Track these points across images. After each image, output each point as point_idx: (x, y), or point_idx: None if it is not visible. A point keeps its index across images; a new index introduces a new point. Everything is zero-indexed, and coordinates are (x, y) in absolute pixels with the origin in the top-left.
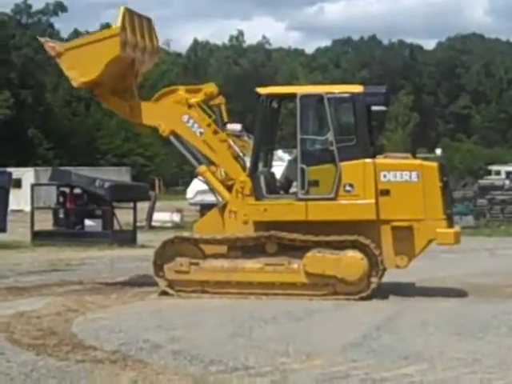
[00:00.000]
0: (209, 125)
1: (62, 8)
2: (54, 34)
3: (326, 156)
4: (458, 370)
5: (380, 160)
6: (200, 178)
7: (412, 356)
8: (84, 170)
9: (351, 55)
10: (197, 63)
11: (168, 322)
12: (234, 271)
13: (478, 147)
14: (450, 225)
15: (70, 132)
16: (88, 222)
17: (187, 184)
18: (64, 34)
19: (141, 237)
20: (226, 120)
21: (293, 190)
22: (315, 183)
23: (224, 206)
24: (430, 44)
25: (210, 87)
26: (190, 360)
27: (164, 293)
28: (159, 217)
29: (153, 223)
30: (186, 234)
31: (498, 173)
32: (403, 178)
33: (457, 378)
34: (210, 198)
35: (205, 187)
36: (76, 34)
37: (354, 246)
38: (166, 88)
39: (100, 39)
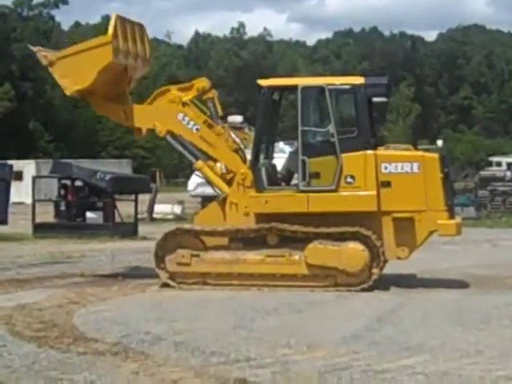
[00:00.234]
0: (204, 121)
1: (62, 0)
2: (55, 27)
3: (327, 148)
4: (460, 362)
5: (381, 151)
6: (198, 173)
7: (414, 347)
8: (85, 162)
9: (352, 47)
10: (198, 55)
11: (169, 314)
12: (235, 263)
13: (479, 138)
14: (452, 216)
15: (70, 124)
16: (89, 215)
17: (188, 176)
18: (65, 27)
19: (142, 229)
20: (220, 113)
21: (294, 181)
22: (316, 175)
23: (224, 199)
24: (431, 35)
25: (202, 82)
26: (191, 352)
27: (165, 285)
28: (160, 209)
29: (154, 215)
30: (187, 225)
31: (499, 164)
32: (404, 169)
33: (459, 369)
34: (211, 190)
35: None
36: (77, 26)
37: (355, 237)
38: (159, 89)
39: (92, 47)
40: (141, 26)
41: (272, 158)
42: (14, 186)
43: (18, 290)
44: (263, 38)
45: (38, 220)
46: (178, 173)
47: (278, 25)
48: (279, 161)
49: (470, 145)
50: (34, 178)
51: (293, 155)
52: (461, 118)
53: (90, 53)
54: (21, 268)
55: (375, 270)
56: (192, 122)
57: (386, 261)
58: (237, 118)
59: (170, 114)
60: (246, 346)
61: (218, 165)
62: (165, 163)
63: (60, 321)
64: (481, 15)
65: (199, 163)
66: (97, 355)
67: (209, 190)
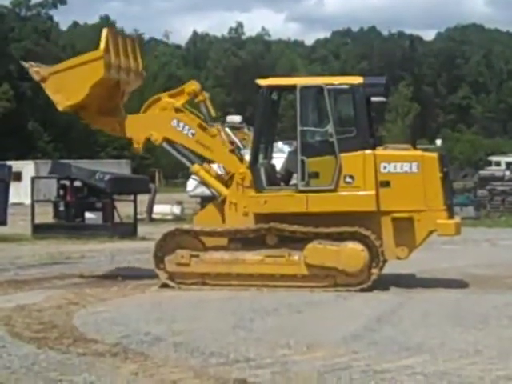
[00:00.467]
0: (199, 124)
1: (61, 0)
2: (53, 27)
3: (326, 148)
4: (460, 362)
5: (380, 151)
6: (194, 176)
7: (413, 347)
8: (84, 162)
9: (351, 47)
10: (196, 55)
11: (169, 315)
12: (234, 263)
13: (478, 138)
14: (451, 216)
15: (69, 125)
16: (88, 215)
17: (187, 176)
18: (63, 27)
19: (141, 229)
20: (213, 114)
21: (293, 181)
22: (315, 175)
23: (223, 200)
24: (429, 35)
25: (192, 85)
26: (190, 352)
27: (165, 285)
28: (159, 209)
29: (153, 216)
30: (186, 226)
31: (498, 163)
32: (403, 169)
33: (458, 369)
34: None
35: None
36: (75, 26)
37: (354, 237)
38: (151, 98)
39: (84, 62)
40: (133, 40)
41: (271, 158)
42: (13, 187)
43: (18, 291)
44: (261, 38)
45: (37, 221)
46: (177, 173)
47: (276, 24)
48: (278, 161)
49: (468, 144)
50: (33, 179)
51: (292, 155)
52: (459, 118)
53: (81, 68)
54: (20, 269)
55: (374, 270)
56: (187, 127)
57: (385, 261)
58: (235, 118)
59: (164, 122)
60: (246, 347)
61: (214, 166)
62: (164, 164)
63: (59, 322)
64: (479, 14)
65: (195, 167)
66: (96, 356)
67: (208, 191)
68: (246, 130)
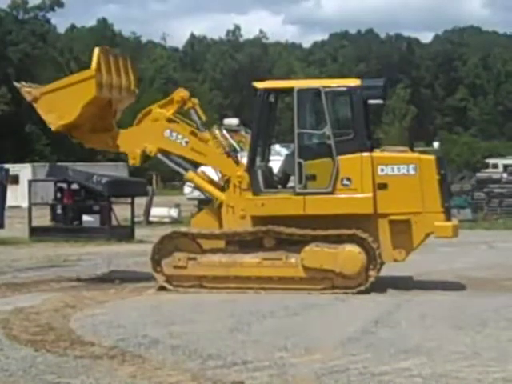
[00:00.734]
0: (191, 132)
1: (58, 3)
2: (51, 30)
3: (323, 150)
4: (457, 364)
5: (377, 154)
6: (189, 184)
7: (411, 350)
8: (81, 165)
9: (348, 49)
10: (194, 58)
11: (166, 317)
12: (231, 266)
13: (475, 140)
14: (448, 218)
15: None
16: (86, 218)
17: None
18: (61, 30)
19: (139, 232)
20: (204, 119)
21: (290, 184)
22: (313, 177)
23: (219, 205)
24: (427, 37)
25: (180, 93)
26: (188, 355)
27: (162, 288)
28: (157, 212)
29: (151, 218)
30: (183, 228)
31: (495, 166)
32: (401, 171)
33: (456, 371)
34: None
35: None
36: (72, 29)
37: (351, 239)
38: (142, 111)
39: (76, 82)
40: (124, 58)
41: (268, 160)
42: (11, 190)
43: (15, 294)
44: (259, 41)
45: (34, 223)
46: (174, 176)
47: (273, 27)
48: (275, 163)
49: (466, 147)
50: (31, 182)
51: (289, 158)
52: (457, 120)
53: (73, 88)
54: (17, 272)
55: (372, 273)
56: (180, 136)
57: (382, 263)
58: (233, 121)
59: (156, 133)
60: (243, 349)
61: (208, 170)
62: (161, 166)
63: (57, 324)
64: (477, 17)
65: (190, 174)
66: (94, 359)
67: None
68: (243, 132)
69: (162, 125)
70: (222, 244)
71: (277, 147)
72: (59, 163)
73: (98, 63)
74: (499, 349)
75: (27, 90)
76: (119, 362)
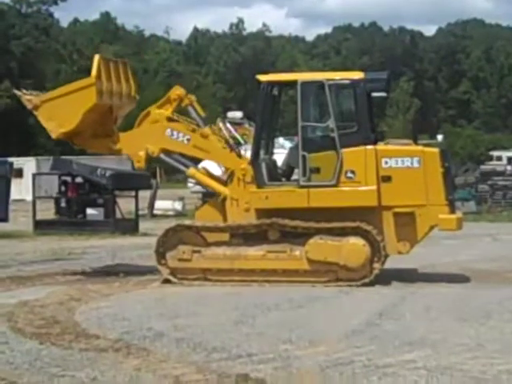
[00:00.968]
0: (192, 129)
1: None
2: (54, 24)
3: (327, 143)
4: (462, 356)
5: (381, 146)
6: (191, 180)
7: (415, 342)
8: (85, 158)
9: (352, 42)
10: (197, 51)
11: (171, 310)
12: (236, 259)
13: (479, 133)
14: (452, 210)
15: None
16: (90, 211)
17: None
18: (64, 23)
19: (143, 225)
20: (202, 114)
21: (294, 177)
22: (317, 170)
23: (223, 200)
24: (430, 30)
25: (176, 91)
26: (193, 348)
27: (166, 281)
28: (161, 205)
29: (155, 211)
30: (187, 221)
31: (499, 158)
32: (405, 164)
33: (460, 363)
34: None
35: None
36: (75, 23)
37: (355, 232)
38: (141, 113)
39: (76, 90)
40: (124, 64)
41: (272, 153)
42: (15, 184)
43: (20, 287)
44: (262, 34)
45: (38, 217)
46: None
47: (276, 20)
48: (279, 156)
49: (469, 139)
50: (35, 175)
51: (293, 150)
52: (460, 113)
53: (74, 95)
54: (22, 265)
55: (376, 265)
56: (181, 134)
57: (386, 255)
58: (236, 114)
59: (157, 133)
60: (248, 342)
61: (207, 166)
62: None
63: (62, 317)
64: (480, 9)
65: (191, 170)
66: (99, 352)
67: None
68: (247, 125)
69: (163, 125)
70: (226, 237)
71: (280, 140)
72: (63, 157)
73: (98, 70)
74: (503, 341)
75: (28, 98)
76: (124, 354)
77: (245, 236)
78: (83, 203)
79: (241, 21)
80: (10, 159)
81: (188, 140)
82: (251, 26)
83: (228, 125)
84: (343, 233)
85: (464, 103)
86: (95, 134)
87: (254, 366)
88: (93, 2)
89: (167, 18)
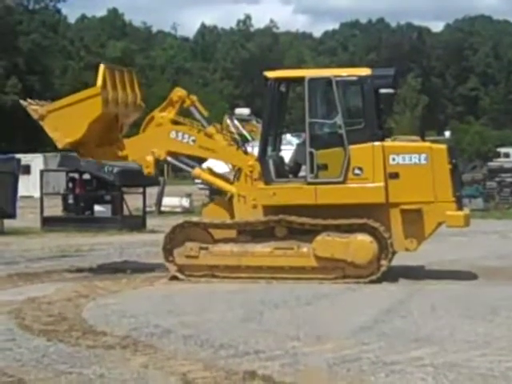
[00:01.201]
0: (197, 129)
1: None
2: (61, 20)
3: (334, 139)
4: (469, 353)
5: (389, 143)
6: (197, 180)
7: (422, 339)
8: None
9: (359, 38)
10: (204, 48)
11: (178, 307)
12: (243, 255)
13: (486, 129)
14: (460, 207)
15: None
16: (97, 208)
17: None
18: (71, 20)
19: (150, 222)
20: (205, 114)
21: (302, 173)
22: (324, 167)
23: (230, 198)
24: (437, 26)
25: (177, 92)
26: (200, 345)
27: (174, 278)
28: (168, 202)
29: (162, 208)
30: (195, 218)
31: (507, 155)
32: (412, 160)
33: (467, 360)
34: None
35: (214, 171)
36: (83, 19)
37: (363, 229)
38: (145, 119)
39: (82, 99)
40: (130, 72)
41: (280, 150)
42: (22, 180)
43: (27, 284)
44: (270, 30)
45: (46, 213)
46: None
47: (284, 16)
48: (287, 153)
49: (477, 136)
50: (42, 172)
51: (300, 147)
52: (468, 109)
53: (79, 105)
54: (29, 262)
55: (384, 262)
56: (186, 135)
57: (394, 252)
58: (244, 111)
59: (162, 137)
60: (255, 339)
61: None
62: None
63: (69, 314)
64: (487, 6)
65: (196, 171)
66: (106, 349)
67: None
68: (254, 122)
69: (167, 128)
70: (233, 234)
71: (288, 137)
72: (71, 153)
73: (104, 80)
74: (511, 338)
75: (33, 108)
76: (131, 351)
77: (252, 233)
78: (91, 200)
79: (248, 17)
80: (18, 156)
81: (193, 141)
82: (258, 22)
83: (235, 121)
84: (350, 229)
85: (471, 100)
86: (101, 143)
87: (261, 362)
88: None
89: (175, 14)
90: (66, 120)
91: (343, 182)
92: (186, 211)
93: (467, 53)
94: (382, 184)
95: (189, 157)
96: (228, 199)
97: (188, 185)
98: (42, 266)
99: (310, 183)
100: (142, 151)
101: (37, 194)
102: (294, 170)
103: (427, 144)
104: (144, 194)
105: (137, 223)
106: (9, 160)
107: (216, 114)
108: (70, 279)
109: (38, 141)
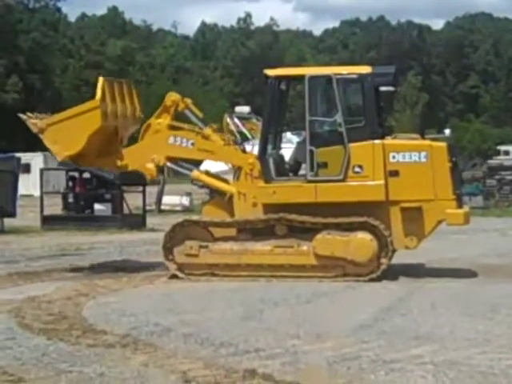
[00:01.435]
0: (194, 132)
1: None
2: (62, 19)
3: (334, 137)
4: (469, 351)
5: (389, 141)
6: (195, 182)
7: (422, 337)
8: None
9: (359, 36)
10: (205, 46)
11: (178, 306)
12: (243, 254)
13: (486, 127)
14: (460, 205)
15: None
16: (97, 206)
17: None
18: (71, 18)
19: (150, 220)
20: (200, 116)
21: (302, 172)
22: (324, 165)
23: (230, 198)
24: (438, 24)
25: (171, 97)
26: (200, 343)
27: (174, 276)
28: (168, 200)
29: (162, 207)
30: (195, 217)
31: (507, 153)
32: (412, 158)
33: (467, 358)
34: None
35: (214, 170)
36: (83, 17)
37: (363, 227)
38: (142, 128)
39: (81, 112)
40: (128, 84)
41: (280, 148)
42: (22, 179)
43: (27, 283)
44: (270, 28)
45: (46, 212)
46: None
47: (284, 14)
48: (287, 151)
49: (477, 134)
50: (42, 171)
51: (300, 145)
52: (468, 107)
53: (79, 118)
54: (29, 260)
55: (384, 260)
56: (185, 140)
57: (394, 250)
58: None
59: (161, 143)
60: (255, 337)
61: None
62: None
63: (69, 313)
64: (488, 3)
65: (194, 173)
66: (106, 347)
67: None
68: (254, 120)
69: (165, 134)
70: (233, 232)
71: (288, 135)
72: None
73: (103, 93)
74: (511, 336)
75: (33, 122)
76: (132, 350)
77: (252, 231)
78: (91, 198)
79: (248, 15)
80: (18, 154)
81: (192, 144)
82: (259, 20)
83: (235, 119)
84: (351, 228)
85: (472, 97)
86: (100, 155)
87: (261, 361)
88: None
89: (175, 12)
90: (66, 133)
91: (343, 180)
92: (186, 210)
93: (467, 50)
94: (382, 182)
95: (186, 160)
96: (228, 198)
97: (188, 183)
98: (42, 264)
99: (310, 181)
100: (141, 159)
101: (37, 193)
102: (294, 168)
103: (427, 142)
104: (144, 192)
105: (137, 222)
106: (9, 159)
107: (216, 112)
108: (70, 278)
109: (38, 140)
